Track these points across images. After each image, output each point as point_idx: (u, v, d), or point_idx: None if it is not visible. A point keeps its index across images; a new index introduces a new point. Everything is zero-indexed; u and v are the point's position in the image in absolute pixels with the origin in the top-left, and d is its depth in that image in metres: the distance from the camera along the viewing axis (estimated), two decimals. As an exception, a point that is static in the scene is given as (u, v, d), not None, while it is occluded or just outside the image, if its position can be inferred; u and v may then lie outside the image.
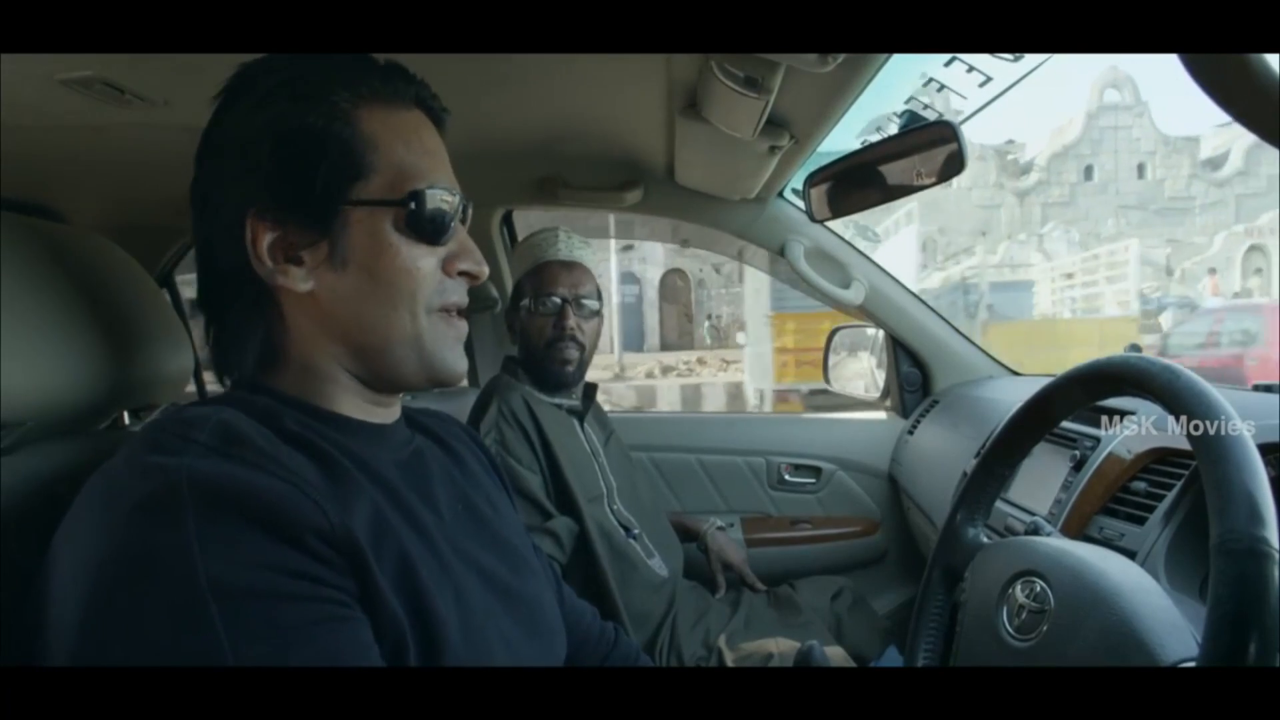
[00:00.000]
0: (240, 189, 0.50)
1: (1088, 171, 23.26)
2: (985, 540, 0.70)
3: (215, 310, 0.53)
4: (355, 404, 0.54)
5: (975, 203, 22.57)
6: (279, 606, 0.40)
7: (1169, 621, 0.50)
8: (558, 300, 1.22)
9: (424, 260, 0.52)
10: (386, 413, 0.57)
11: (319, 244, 0.50)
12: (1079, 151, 23.25)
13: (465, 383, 1.71)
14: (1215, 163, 23.13)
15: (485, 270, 0.55)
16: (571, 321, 1.22)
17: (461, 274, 0.54)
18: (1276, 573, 0.42)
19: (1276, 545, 0.42)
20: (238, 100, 0.51)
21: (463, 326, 0.55)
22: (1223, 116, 0.36)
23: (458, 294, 0.54)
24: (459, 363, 0.55)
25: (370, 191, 0.50)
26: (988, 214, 22.65)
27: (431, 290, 0.52)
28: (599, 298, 1.27)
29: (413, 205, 0.51)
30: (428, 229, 0.51)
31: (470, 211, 0.56)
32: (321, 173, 0.50)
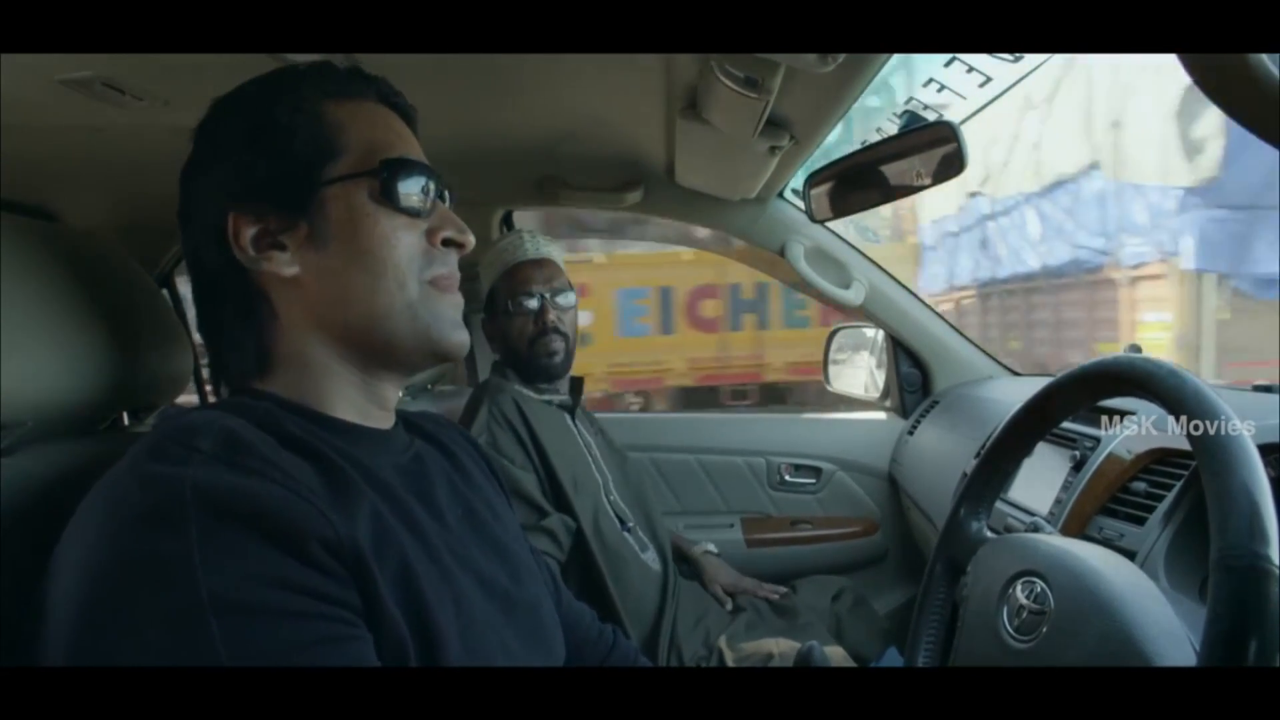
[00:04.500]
0: (218, 192, 0.51)
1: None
2: (989, 534, 0.70)
3: (210, 320, 0.54)
4: (354, 405, 0.54)
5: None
6: (281, 625, 0.39)
7: (1168, 631, 0.50)
8: (535, 297, 1.24)
9: (404, 231, 0.52)
10: (384, 416, 0.56)
11: (299, 226, 0.51)
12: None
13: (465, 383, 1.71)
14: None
15: (471, 239, 0.55)
16: (552, 315, 1.24)
17: (447, 243, 0.54)
18: (1276, 590, 0.41)
19: (1277, 562, 0.42)
20: (209, 130, 0.54)
21: (458, 299, 0.55)
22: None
23: (446, 265, 0.54)
24: (456, 333, 0.54)
25: (342, 169, 0.51)
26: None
27: (417, 260, 0.52)
28: (572, 291, 1.29)
29: (385, 174, 0.51)
30: (404, 197, 0.52)
31: (450, 195, 0.56)
32: (293, 157, 0.51)
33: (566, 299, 1.27)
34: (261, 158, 0.51)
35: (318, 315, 0.52)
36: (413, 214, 0.53)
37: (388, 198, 0.52)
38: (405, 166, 0.52)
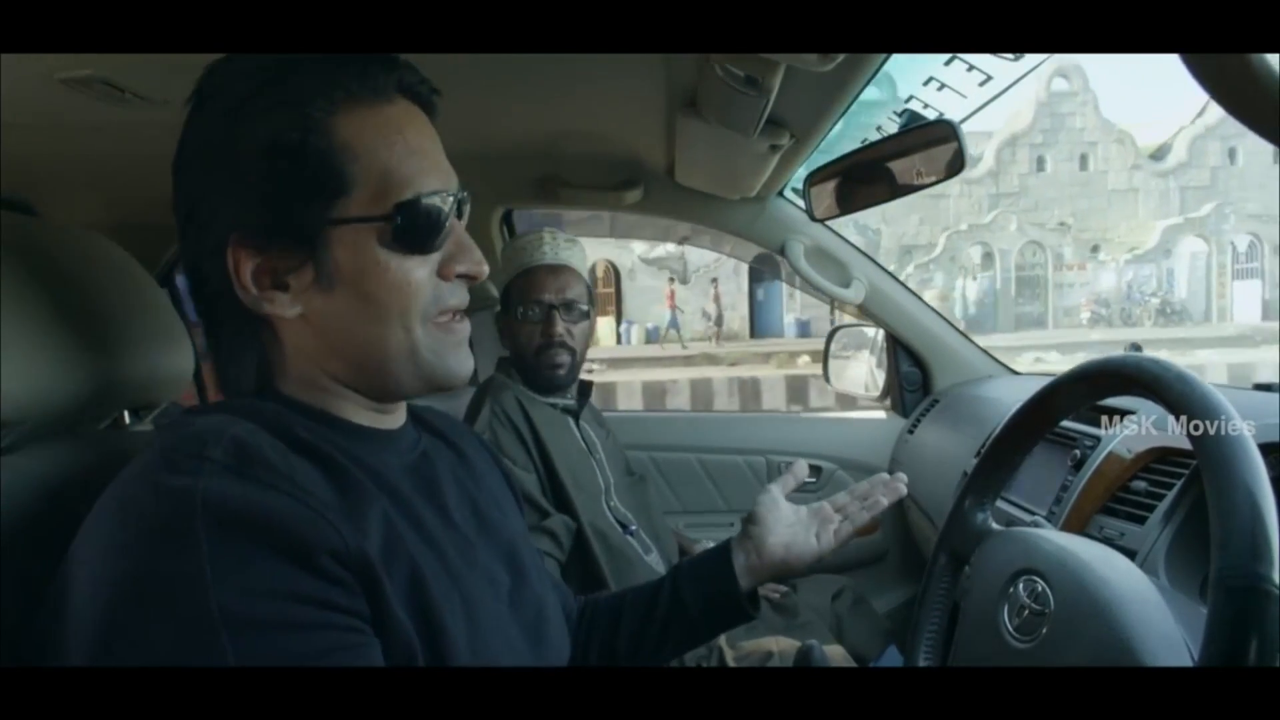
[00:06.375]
0: (219, 212, 0.48)
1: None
2: (994, 526, 0.70)
3: (211, 329, 0.52)
4: (360, 411, 0.53)
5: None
6: (291, 636, 0.40)
7: (1168, 637, 0.50)
8: (544, 307, 1.22)
9: (416, 271, 0.49)
10: (392, 418, 0.56)
11: (304, 266, 0.48)
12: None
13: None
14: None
15: (485, 270, 0.53)
16: (560, 327, 1.22)
17: (460, 276, 0.52)
18: (1276, 612, 0.41)
19: (1278, 583, 0.41)
20: (208, 109, 0.49)
21: (463, 329, 0.53)
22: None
23: (456, 297, 0.52)
24: (461, 367, 0.53)
25: (353, 207, 0.48)
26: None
27: (426, 300, 0.50)
28: (589, 300, 1.27)
29: (399, 219, 0.48)
30: (417, 241, 0.49)
31: (467, 206, 0.53)
32: (300, 192, 0.47)
33: (579, 309, 1.24)
34: (266, 188, 0.47)
35: (320, 349, 0.50)
36: (425, 251, 0.50)
37: (400, 243, 0.48)
38: (422, 205, 0.48)
